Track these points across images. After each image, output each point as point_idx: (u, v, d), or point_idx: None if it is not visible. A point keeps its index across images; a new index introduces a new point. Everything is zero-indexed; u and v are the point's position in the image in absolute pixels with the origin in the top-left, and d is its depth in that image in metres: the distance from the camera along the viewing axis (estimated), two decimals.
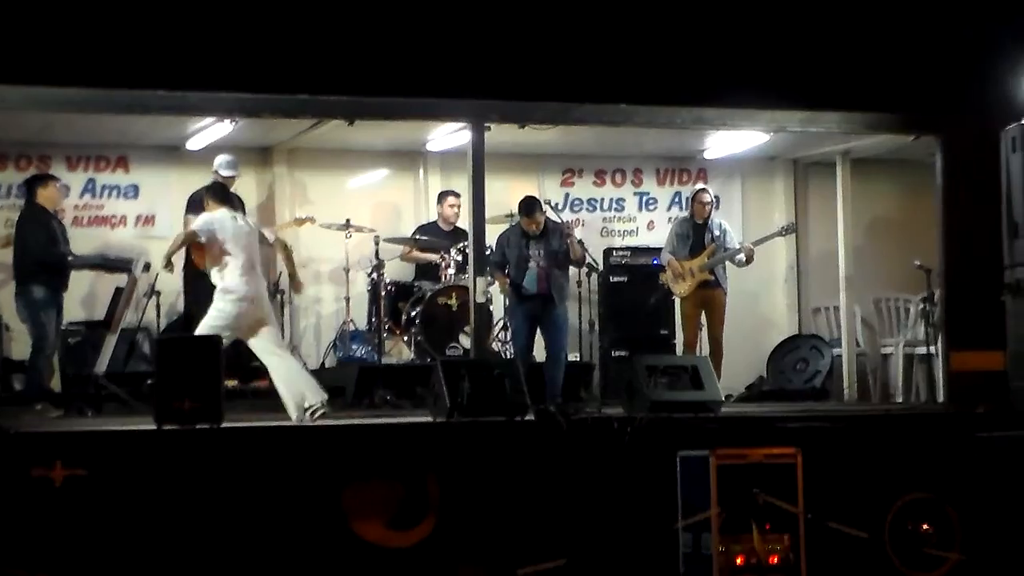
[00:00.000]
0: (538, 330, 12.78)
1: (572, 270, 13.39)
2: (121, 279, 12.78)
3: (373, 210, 14.64)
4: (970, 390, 11.91)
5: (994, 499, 10.50)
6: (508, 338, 13.68)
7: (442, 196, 14.34)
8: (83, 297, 13.42)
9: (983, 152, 11.97)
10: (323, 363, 14.16)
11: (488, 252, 12.76)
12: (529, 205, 12.81)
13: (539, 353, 13.00)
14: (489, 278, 12.57)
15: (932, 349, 13.63)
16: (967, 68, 12.35)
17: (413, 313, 13.52)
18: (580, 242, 13.00)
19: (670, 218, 15.13)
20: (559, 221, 13.26)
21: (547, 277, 12.60)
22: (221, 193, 11.38)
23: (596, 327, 14.37)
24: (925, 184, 13.36)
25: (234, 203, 11.62)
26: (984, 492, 10.54)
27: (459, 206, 14.07)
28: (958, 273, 12.53)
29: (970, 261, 12.36)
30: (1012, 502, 10.41)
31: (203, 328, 10.64)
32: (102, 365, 12.25)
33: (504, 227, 13.45)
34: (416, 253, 14.15)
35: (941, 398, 13.03)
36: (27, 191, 12.41)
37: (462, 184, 12.84)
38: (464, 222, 13.25)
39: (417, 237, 14.10)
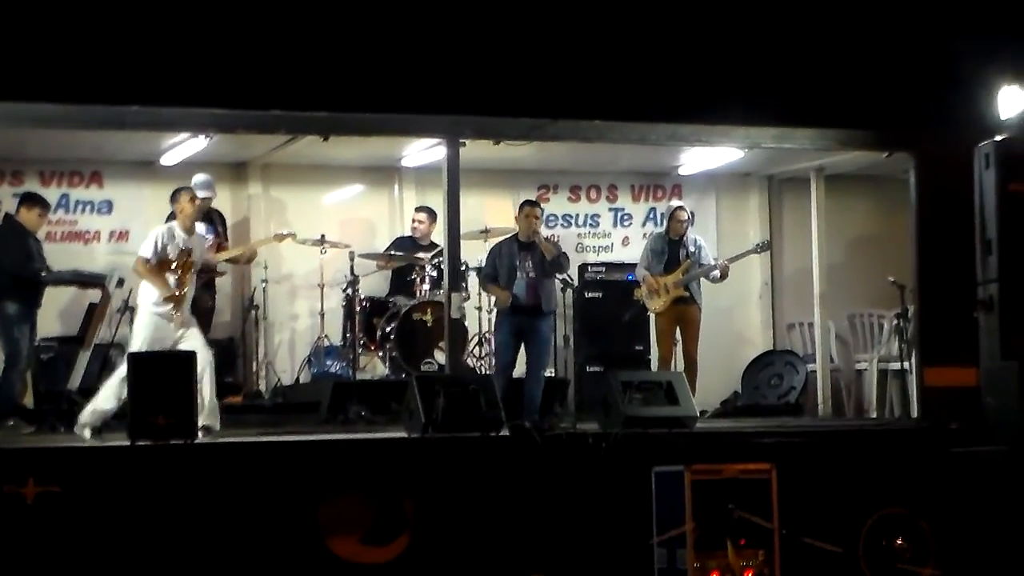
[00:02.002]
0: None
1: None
2: (94, 295, 12.72)
3: (348, 226, 14.61)
4: (944, 406, 11.95)
5: (968, 514, 10.54)
6: (483, 354, 13.68)
7: (414, 211, 14.37)
8: (56, 313, 13.36)
9: (956, 169, 12.03)
10: (297, 379, 14.14)
11: (464, 267, 12.78)
12: (528, 202, 12.97)
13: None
14: (466, 292, 12.59)
15: (906, 365, 13.66)
16: (940, 85, 12.39)
17: (388, 329, 13.50)
18: (554, 243, 12.96)
19: (645, 234, 15.14)
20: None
21: (536, 287, 12.59)
22: None
23: (571, 342, 14.38)
24: (899, 200, 13.41)
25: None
26: (958, 507, 10.58)
27: (424, 223, 14.07)
28: (932, 289, 12.57)
29: (944, 277, 12.40)
30: (985, 517, 10.44)
31: None
32: (75, 381, 12.20)
33: (480, 243, 13.46)
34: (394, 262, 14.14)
35: (915, 414, 13.05)
36: (17, 205, 12.36)
37: (437, 200, 12.84)
38: (439, 237, 13.25)
39: (392, 252, 14.08)
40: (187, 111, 11.26)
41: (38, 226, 12.47)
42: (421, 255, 13.72)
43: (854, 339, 15.16)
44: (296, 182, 14.67)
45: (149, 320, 11.14)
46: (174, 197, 11.69)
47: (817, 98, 12.33)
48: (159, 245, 11.22)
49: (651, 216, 15.55)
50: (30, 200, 12.43)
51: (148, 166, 14.01)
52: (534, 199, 13.38)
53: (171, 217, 12.93)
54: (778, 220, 15.79)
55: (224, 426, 11.46)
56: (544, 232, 14.46)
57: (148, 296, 11.24)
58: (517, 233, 12.81)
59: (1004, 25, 12.31)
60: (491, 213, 14.10)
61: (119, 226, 14.25)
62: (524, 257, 12.64)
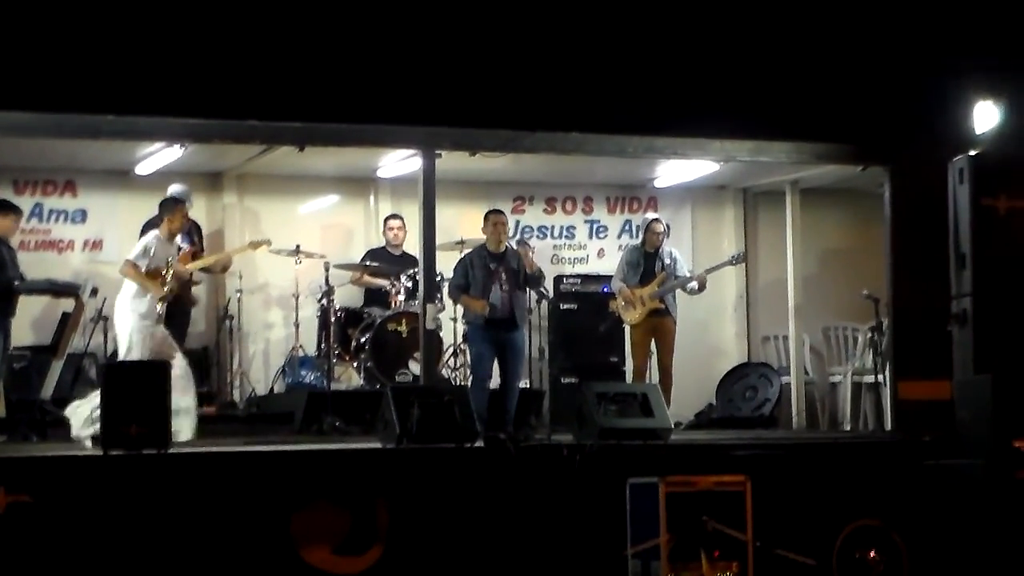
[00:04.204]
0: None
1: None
2: (68, 304, 12.67)
3: (323, 236, 14.60)
4: (917, 418, 11.99)
5: (941, 527, 10.56)
6: (458, 364, 13.66)
7: (385, 220, 14.36)
8: (29, 322, 13.29)
9: (931, 183, 12.07)
10: (272, 389, 14.10)
11: (439, 278, 12.76)
12: (493, 211, 12.84)
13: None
14: (441, 304, 12.56)
15: (880, 378, 13.70)
16: (915, 100, 12.46)
17: (363, 339, 13.49)
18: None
19: (620, 246, 15.16)
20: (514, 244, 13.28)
21: (510, 299, 12.53)
22: None
23: (546, 354, 14.38)
24: (874, 214, 13.46)
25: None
26: (931, 520, 10.61)
27: (401, 229, 14.08)
28: (906, 303, 12.62)
29: (918, 291, 12.44)
30: (958, 530, 10.47)
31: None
32: (48, 390, 12.13)
33: (455, 254, 13.45)
34: (367, 277, 14.13)
35: (888, 426, 13.10)
36: None
37: (412, 211, 12.82)
38: (413, 248, 13.24)
39: (368, 263, 14.08)
40: (162, 120, 11.24)
41: (12, 233, 12.42)
42: (396, 273, 13.69)
43: (828, 352, 15.20)
44: (271, 192, 14.64)
45: (142, 328, 11.37)
46: (170, 206, 11.88)
47: (793, 112, 12.38)
48: (149, 252, 11.50)
49: (627, 228, 15.57)
50: (3, 208, 12.37)
51: (123, 175, 13.97)
52: (496, 208, 13.19)
53: (149, 226, 12.99)
54: (753, 233, 15.82)
55: (198, 436, 11.43)
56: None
57: (136, 307, 11.44)
58: (486, 243, 12.74)
59: (978, 41, 12.37)
60: (466, 224, 14.06)
61: (93, 235, 14.20)
62: (497, 268, 12.56)
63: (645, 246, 13.76)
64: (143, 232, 13.19)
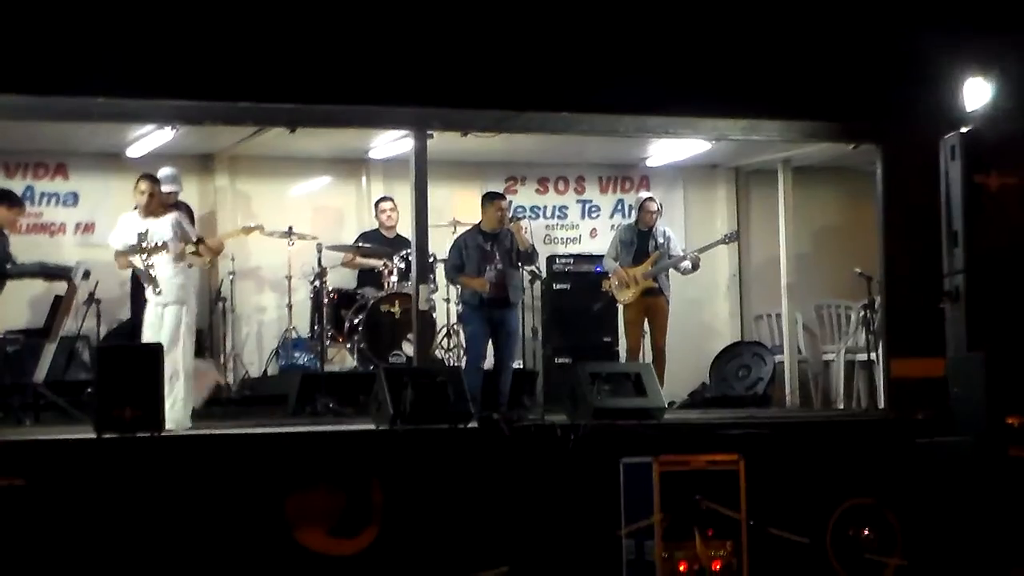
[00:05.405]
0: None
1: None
2: (60, 287, 12.65)
3: (315, 217, 14.58)
4: (910, 397, 12.01)
5: (934, 504, 10.59)
6: (451, 345, 13.66)
7: (377, 203, 14.34)
8: (22, 305, 13.27)
9: (922, 161, 12.07)
10: (265, 371, 14.11)
11: (432, 259, 12.76)
12: (492, 193, 12.89)
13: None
14: (434, 284, 12.59)
15: (873, 356, 13.70)
16: (907, 77, 12.45)
17: (356, 320, 13.49)
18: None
19: (613, 225, 15.15)
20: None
21: (504, 279, 12.57)
22: None
23: (539, 334, 14.38)
24: (866, 192, 13.47)
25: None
26: (924, 498, 10.63)
27: (393, 211, 14.07)
28: (898, 280, 12.64)
29: (910, 269, 12.46)
30: (951, 507, 10.49)
31: None
32: (41, 373, 12.12)
33: (448, 235, 13.45)
34: (359, 259, 14.13)
35: (882, 404, 13.12)
36: None
37: (404, 192, 12.82)
38: (405, 229, 13.24)
39: (360, 244, 14.07)
40: (153, 102, 11.23)
41: (11, 227, 12.41)
42: (388, 256, 13.70)
43: (821, 330, 15.20)
44: (263, 174, 14.63)
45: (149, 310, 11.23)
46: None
47: (784, 90, 12.38)
48: (119, 233, 11.34)
49: (619, 208, 15.57)
50: (11, 200, 12.37)
51: (114, 158, 13.93)
52: (498, 191, 13.32)
53: None
54: (745, 212, 15.82)
55: (191, 419, 11.43)
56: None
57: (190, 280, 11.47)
58: (480, 224, 12.76)
59: (969, 17, 12.35)
60: (459, 205, 14.08)
61: (85, 218, 14.18)
62: (491, 248, 12.61)
63: (639, 224, 13.77)
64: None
